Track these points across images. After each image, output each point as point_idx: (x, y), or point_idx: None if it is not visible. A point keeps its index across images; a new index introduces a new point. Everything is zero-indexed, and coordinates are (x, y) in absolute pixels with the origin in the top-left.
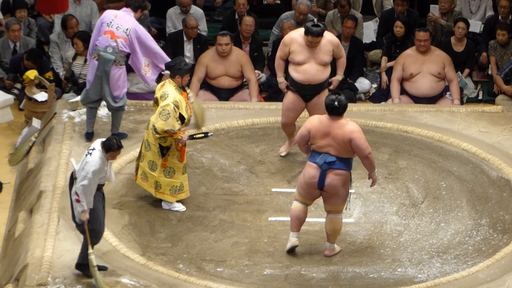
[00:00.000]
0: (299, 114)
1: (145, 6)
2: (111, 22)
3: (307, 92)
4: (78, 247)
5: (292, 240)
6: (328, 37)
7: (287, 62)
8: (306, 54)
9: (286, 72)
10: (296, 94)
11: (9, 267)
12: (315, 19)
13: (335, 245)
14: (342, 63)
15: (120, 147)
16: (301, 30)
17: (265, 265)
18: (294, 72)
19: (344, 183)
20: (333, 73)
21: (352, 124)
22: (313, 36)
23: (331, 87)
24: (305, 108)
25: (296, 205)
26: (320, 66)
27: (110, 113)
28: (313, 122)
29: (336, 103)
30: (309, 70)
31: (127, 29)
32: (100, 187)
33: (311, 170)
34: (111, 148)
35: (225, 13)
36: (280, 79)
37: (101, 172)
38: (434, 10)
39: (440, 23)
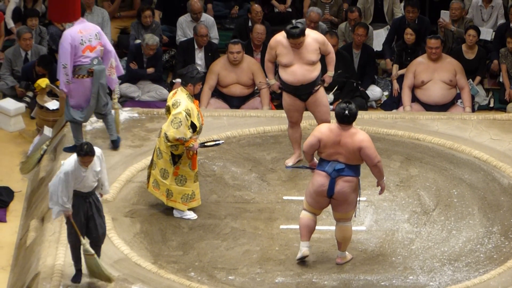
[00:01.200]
0: (301, 112)
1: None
2: (81, 39)
3: (300, 92)
4: None
5: (303, 250)
6: (313, 35)
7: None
8: (292, 55)
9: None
10: (291, 95)
11: (21, 276)
12: (294, 21)
13: (347, 252)
14: (331, 58)
15: (86, 153)
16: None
17: (277, 273)
18: (284, 74)
19: (354, 189)
20: (324, 70)
21: (361, 133)
22: (294, 38)
23: (325, 84)
24: (305, 107)
25: (305, 214)
26: (308, 66)
27: (121, 121)
28: (323, 131)
29: (346, 111)
30: (298, 71)
31: (96, 34)
32: (85, 196)
33: (320, 178)
34: (78, 153)
35: (238, 20)
36: (271, 81)
37: (75, 175)
38: (445, 16)
39: (450, 29)
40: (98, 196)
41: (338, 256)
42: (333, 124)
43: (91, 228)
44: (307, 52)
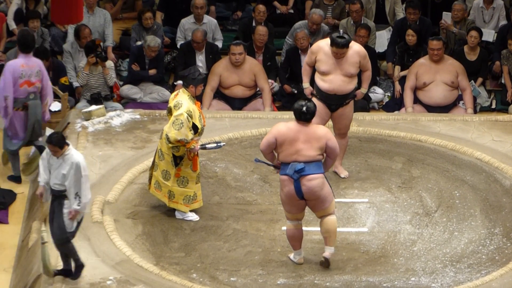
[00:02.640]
0: (325, 122)
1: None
2: (21, 73)
3: (332, 102)
4: (91, 257)
5: (297, 258)
6: (356, 48)
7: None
8: (332, 64)
9: (312, 79)
10: (322, 102)
11: (23, 277)
12: (341, 30)
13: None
14: (368, 76)
15: (51, 141)
16: (329, 39)
17: (279, 274)
18: (320, 81)
19: (321, 186)
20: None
21: (321, 127)
22: (338, 47)
23: (356, 99)
24: (330, 117)
25: (289, 225)
26: (345, 77)
27: (123, 122)
28: (280, 128)
29: (304, 108)
30: (335, 81)
31: (37, 71)
32: (57, 196)
33: (285, 183)
34: (47, 140)
35: (242, 21)
36: (305, 84)
37: (46, 162)
38: (447, 17)
39: (452, 31)
40: (66, 212)
41: (329, 252)
42: (290, 122)
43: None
44: (347, 64)
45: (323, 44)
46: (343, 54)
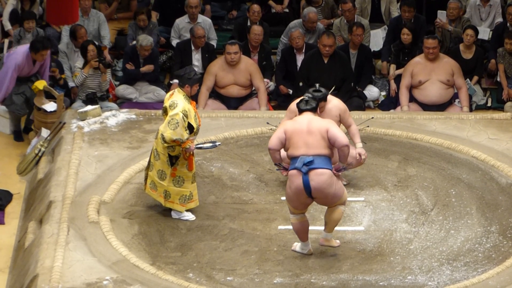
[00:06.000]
0: None
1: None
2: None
3: None
4: (87, 257)
5: (306, 249)
6: (335, 102)
7: None
8: None
9: None
10: None
11: (19, 278)
12: (317, 85)
13: (334, 240)
14: (354, 130)
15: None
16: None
17: (275, 273)
18: None
19: (330, 183)
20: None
21: (325, 119)
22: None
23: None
24: None
25: (293, 219)
26: None
27: (119, 122)
28: (287, 122)
29: (306, 96)
30: None
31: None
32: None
33: (294, 178)
34: None
35: (237, 21)
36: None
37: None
38: (442, 16)
39: (447, 29)
40: None
41: (323, 237)
42: (297, 117)
43: None
44: (327, 117)
45: None
46: (322, 108)
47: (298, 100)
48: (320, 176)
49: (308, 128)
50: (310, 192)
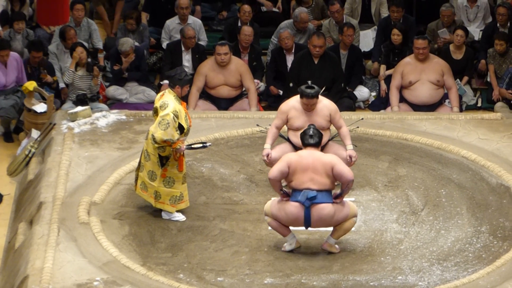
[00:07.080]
0: None
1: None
2: None
3: None
4: (78, 258)
5: (292, 244)
6: (325, 102)
7: None
8: (305, 120)
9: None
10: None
11: (10, 279)
12: (309, 82)
13: (336, 245)
14: (345, 132)
15: None
16: (297, 96)
17: (266, 274)
18: (294, 137)
19: (332, 215)
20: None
21: (329, 154)
22: (308, 97)
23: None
24: None
25: (268, 218)
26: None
27: (109, 123)
28: (292, 157)
29: (311, 131)
30: None
31: None
32: None
33: (293, 209)
34: None
35: (227, 21)
36: (267, 145)
37: None
38: (443, 34)
39: (450, 41)
40: None
41: (326, 241)
42: (299, 150)
43: None
44: (318, 117)
45: (293, 102)
46: (313, 106)
47: (288, 101)
48: (322, 211)
49: (313, 165)
50: (309, 224)
